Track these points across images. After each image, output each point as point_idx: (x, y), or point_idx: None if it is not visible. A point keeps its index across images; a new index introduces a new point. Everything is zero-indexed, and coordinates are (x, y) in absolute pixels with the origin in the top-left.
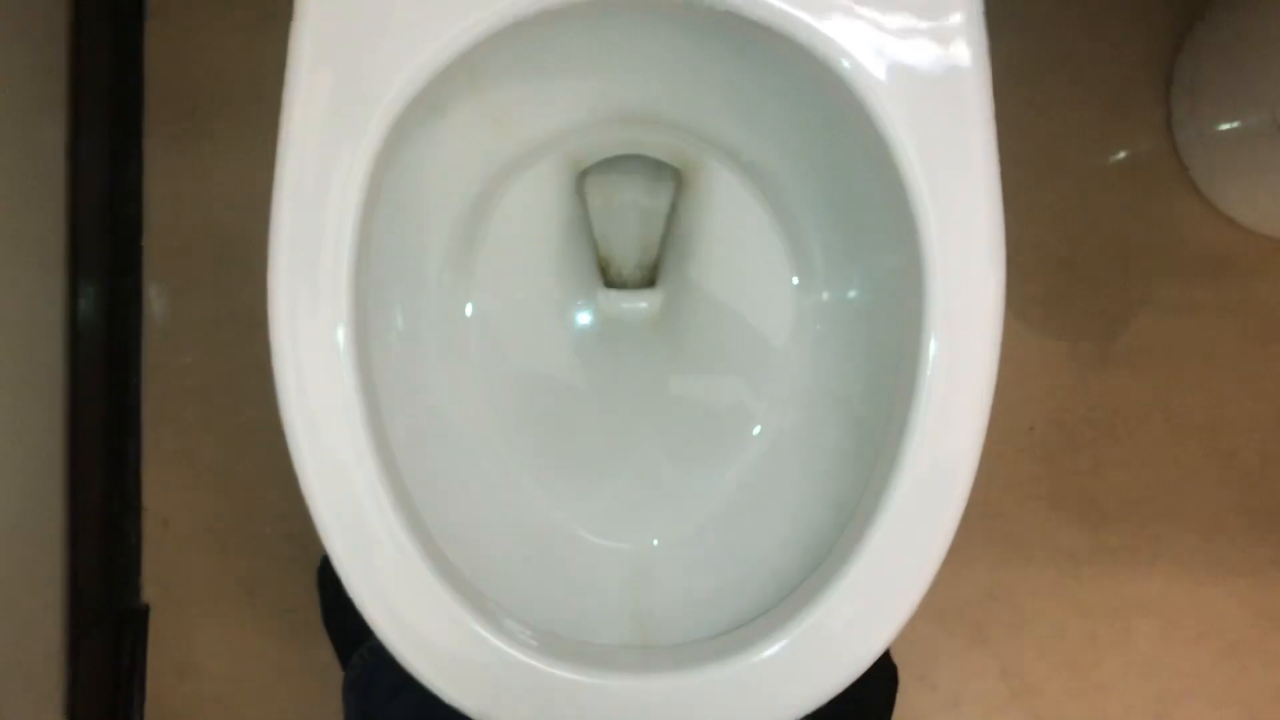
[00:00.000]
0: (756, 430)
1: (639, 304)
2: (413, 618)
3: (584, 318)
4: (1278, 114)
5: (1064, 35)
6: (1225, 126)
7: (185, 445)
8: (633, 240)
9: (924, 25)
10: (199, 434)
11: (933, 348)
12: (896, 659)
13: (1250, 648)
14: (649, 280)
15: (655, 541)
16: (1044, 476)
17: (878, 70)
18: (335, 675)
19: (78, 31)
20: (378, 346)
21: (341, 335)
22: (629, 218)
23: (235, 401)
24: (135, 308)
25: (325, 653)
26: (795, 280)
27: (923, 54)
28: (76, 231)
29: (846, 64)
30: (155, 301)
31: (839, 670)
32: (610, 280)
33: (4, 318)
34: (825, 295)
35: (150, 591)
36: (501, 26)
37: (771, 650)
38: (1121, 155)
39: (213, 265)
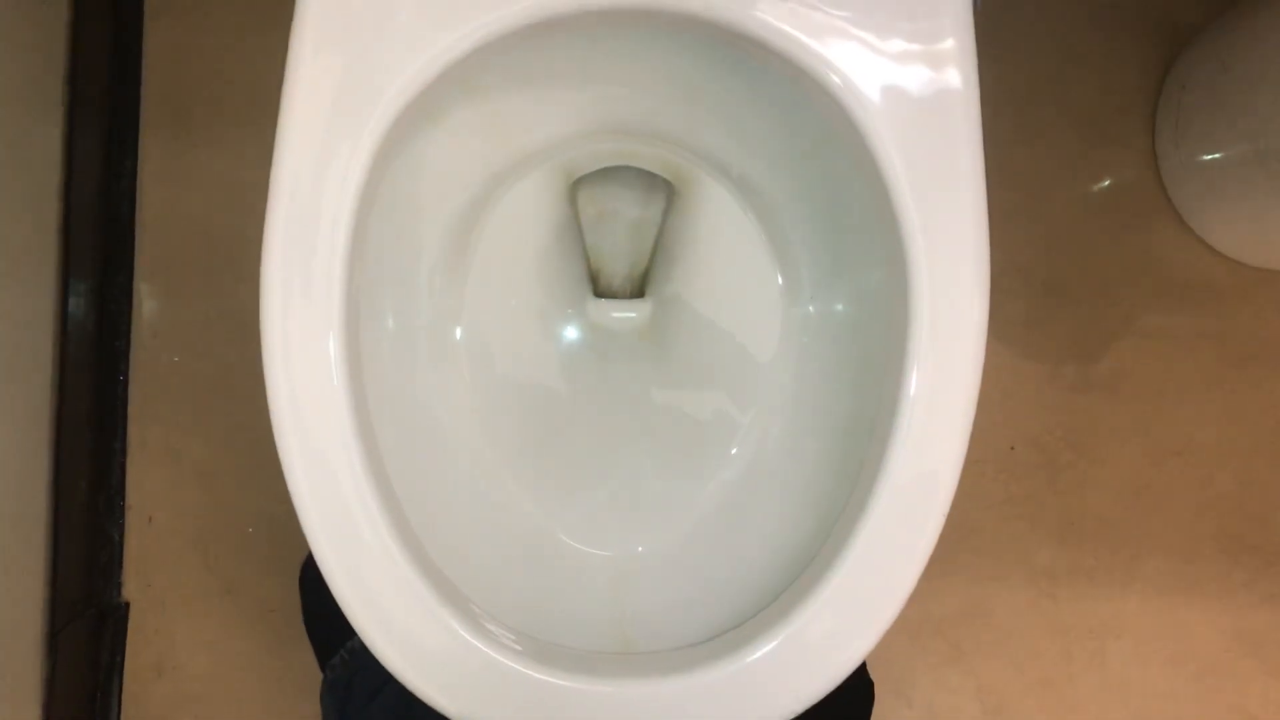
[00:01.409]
0: (740, 440)
1: (628, 314)
2: (396, 619)
3: (573, 326)
4: (1260, 146)
5: (1051, 64)
6: (1208, 157)
7: (171, 444)
8: (623, 250)
9: (917, 49)
10: (185, 433)
11: (917, 364)
12: (872, 674)
13: (1224, 671)
14: (638, 291)
15: (639, 548)
16: (1023, 496)
17: (870, 91)
18: (314, 677)
19: (77, 31)
20: (368, 348)
21: (333, 336)
22: (620, 228)
23: (222, 402)
24: (125, 306)
25: (305, 655)
26: (782, 293)
27: (915, 77)
28: (69, 229)
29: (840, 84)
30: (146, 300)
31: (818, 678)
32: (600, 290)
33: None
34: (811, 309)
35: (131, 588)
36: (497, 36)
37: (752, 657)
38: (1106, 183)
39: (204, 266)
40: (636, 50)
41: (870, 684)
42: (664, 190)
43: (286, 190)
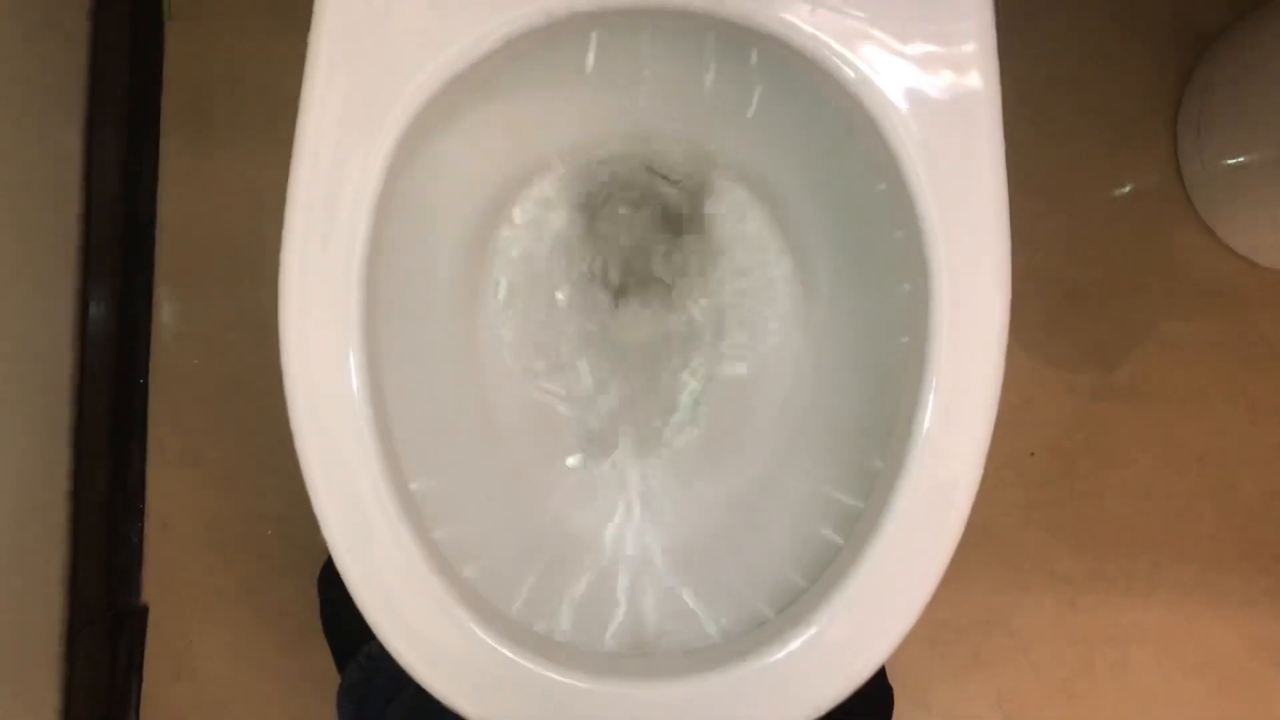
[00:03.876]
0: (759, 441)
1: (645, 316)
2: (413, 619)
3: (590, 327)
4: None
5: (1074, 67)
6: (1231, 161)
7: (190, 447)
8: (641, 252)
9: (938, 51)
10: (204, 436)
11: (936, 367)
12: (892, 681)
13: (1247, 680)
14: (655, 292)
15: (657, 550)
16: (1043, 502)
17: (891, 92)
18: (332, 681)
19: (97, 33)
20: (386, 351)
21: (351, 339)
22: (636, 231)
23: (241, 405)
24: (145, 309)
25: (323, 658)
26: (801, 295)
27: (936, 79)
28: (90, 231)
29: (860, 84)
30: (165, 303)
31: (837, 682)
32: (617, 292)
33: (15, 315)
34: (830, 309)
35: (150, 591)
36: (515, 36)
37: (769, 660)
38: (1128, 187)
39: (224, 268)
40: (655, 50)
41: (890, 690)
42: (683, 192)
43: (304, 193)
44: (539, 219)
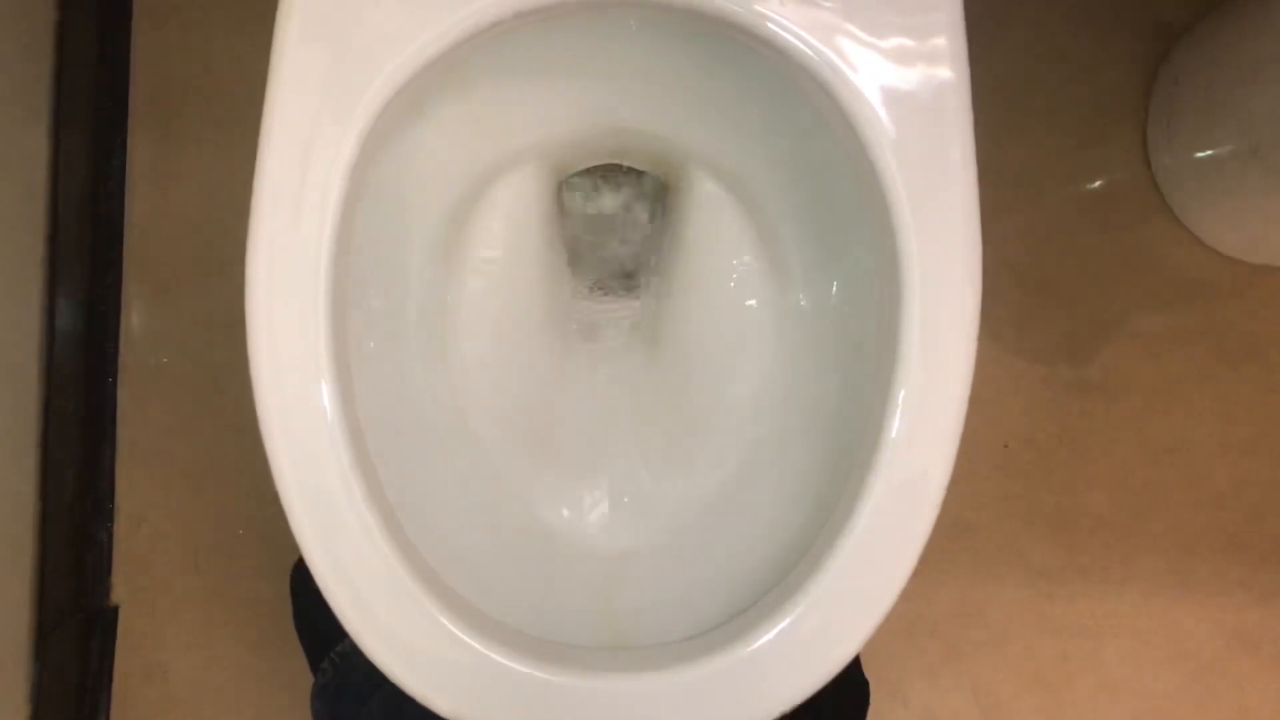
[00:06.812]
0: (733, 436)
1: (619, 310)
2: (385, 615)
3: (564, 323)
4: (1252, 141)
5: (1044, 61)
6: (1201, 154)
7: (160, 446)
8: (614, 247)
9: (909, 43)
10: (174, 435)
11: (908, 360)
12: (868, 674)
13: (1221, 670)
14: (630, 287)
15: (632, 543)
16: (1018, 495)
17: (863, 86)
18: (305, 681)
19: (64, 30)
20: (356, 344)
21: (319, 331)
22: (610, 225)
23: (211, 403)
24: (114, 307)
25: (296, 658)
26: (774, 288)
27: (907, 70)
28: (57, 229)
29: (831, 76)
30: (135, 302)
31: (811, 673)
32: (592, 286)
33: None
34: (803, 303)
35: (120, 592)
36: (482, 27)
37: (744, 652)
38: (1099, 181)
39: (193, 267)
40: (625, 42)
41: (866, 684)
42: (655, 186)
43: (271, 184)
44: (511, 212)
